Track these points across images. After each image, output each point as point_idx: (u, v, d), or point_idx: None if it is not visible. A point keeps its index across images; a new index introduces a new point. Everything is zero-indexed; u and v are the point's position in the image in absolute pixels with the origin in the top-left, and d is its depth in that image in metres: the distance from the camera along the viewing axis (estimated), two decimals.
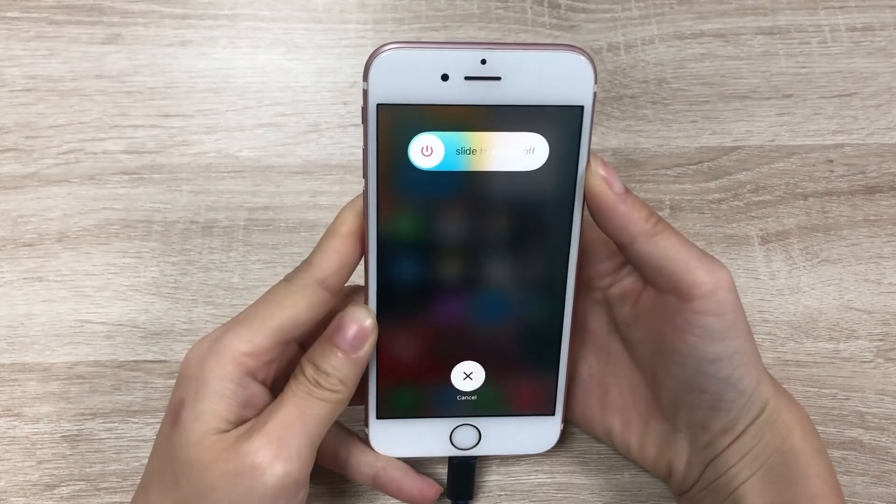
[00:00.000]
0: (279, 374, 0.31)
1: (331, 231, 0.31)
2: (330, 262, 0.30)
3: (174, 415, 0.29)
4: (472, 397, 0.33)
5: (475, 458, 0.35)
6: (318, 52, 0.45)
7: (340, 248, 0.30)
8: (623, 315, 0.33)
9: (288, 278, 0.31)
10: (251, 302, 0.39)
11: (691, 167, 0.43)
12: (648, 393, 0.34)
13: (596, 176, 0.30)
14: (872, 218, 0.43)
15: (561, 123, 0.29)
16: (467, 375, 0.33)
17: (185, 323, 0.40)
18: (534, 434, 0.34)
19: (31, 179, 0.42)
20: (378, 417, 0.33)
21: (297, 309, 0.30)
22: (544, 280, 0.32)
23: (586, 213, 0.31)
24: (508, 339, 0.32)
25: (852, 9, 0.47)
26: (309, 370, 0.30)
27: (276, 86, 0.44)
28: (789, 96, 0.45)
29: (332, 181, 0.42)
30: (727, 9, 0.47)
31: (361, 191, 0.30)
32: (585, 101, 0.29)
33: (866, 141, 0.44)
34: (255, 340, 0.29)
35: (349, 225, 0.30)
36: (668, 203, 0.43)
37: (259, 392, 0.30)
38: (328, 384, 0.30)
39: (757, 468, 0.31)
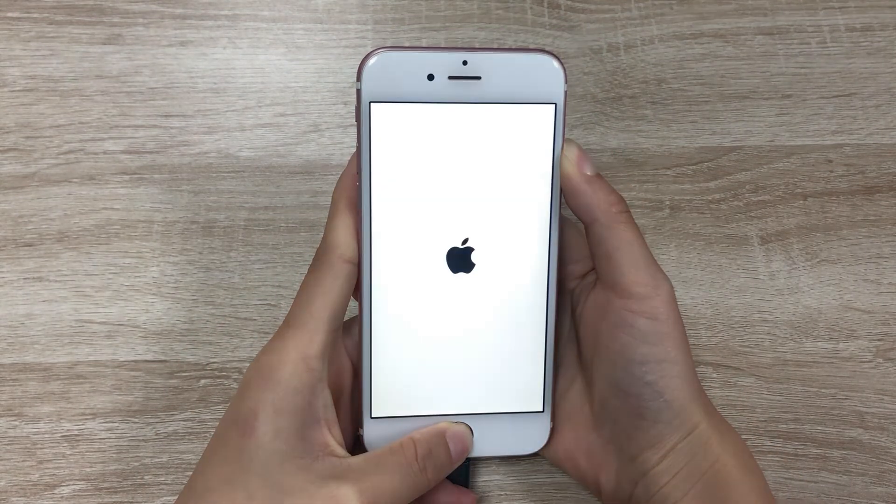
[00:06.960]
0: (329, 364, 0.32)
1: (334, 206, 0.32)
2: (343, 235, 0.31)
3: (246, 425, 0.29)
4: (464, 395, 0.34)
5: (469, 459, 0.35)
6: (318, 52, 0.45)
7: (347, 218, 0.31)
8: (577, 314, 0.34)
9: (314, 267, 0.31)
10: (251, 302, 0.40)
11: (691, 167, 0.43)
12: (583, 399, 0.34)
13: (567, 158, 0.32)
14: (872, 218, 0.43)
15: (536, 120, 0.32)
16: (459, 372, 0.33)
17: (185, 323, 0.40)
18: (524, 434, 0.35)
19: (32, 179, 0.42)
20: (372, 417, 0.33)
21: (336, 292, 0.31)
22: (526, 275, 0.33)
23: (565, 208, 0.33)
24: (497, 339, 0.33)
25: (852, 9, 0.47)
26: (422, 449, 0.31)
27: (276, 86, 0.44)
28: (789, 96, 0.45)
29: (332, 181, 0.42)
30: (727, 9, 0.47)
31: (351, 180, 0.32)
32: (557, 98, 0.32)
33: (866, 141, 0.44)
34: (317, 339, 0.30)
35: (349, 192, 0.32)
36: (667, 203, 0.43)
37: (328, 399, 0.31)
38: (433, 475, 0.31)
39: (688, 489, 0.30)
